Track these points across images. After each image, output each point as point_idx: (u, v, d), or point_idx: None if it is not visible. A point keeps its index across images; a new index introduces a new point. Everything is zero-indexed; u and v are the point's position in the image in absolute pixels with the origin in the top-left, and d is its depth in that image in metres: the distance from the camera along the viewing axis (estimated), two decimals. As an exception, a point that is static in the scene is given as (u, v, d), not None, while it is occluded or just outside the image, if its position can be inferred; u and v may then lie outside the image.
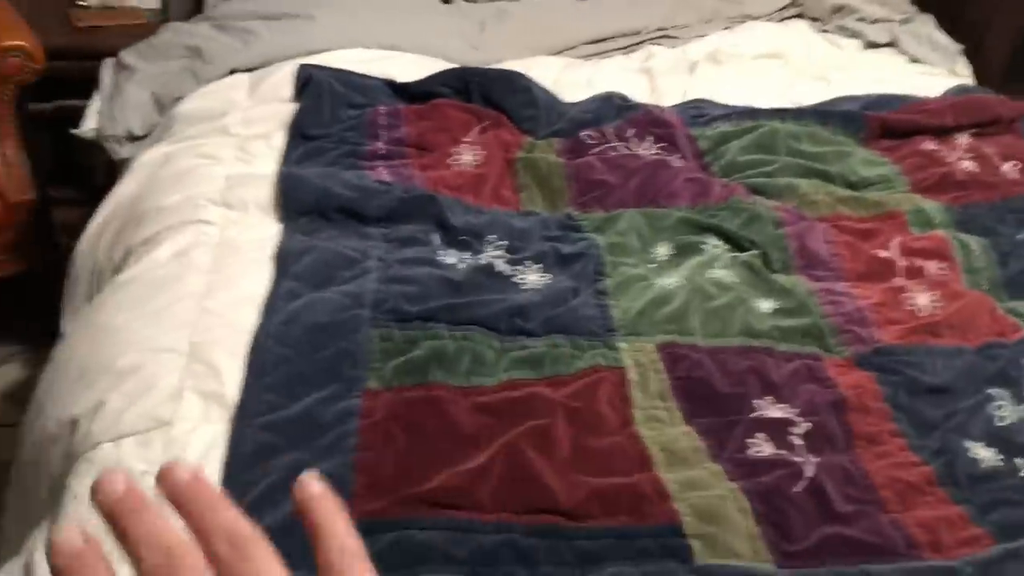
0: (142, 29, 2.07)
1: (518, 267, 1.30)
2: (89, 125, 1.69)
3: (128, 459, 0.97)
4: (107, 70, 1.75)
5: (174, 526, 0.34)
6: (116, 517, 0.34)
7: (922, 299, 1.31)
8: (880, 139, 1.72)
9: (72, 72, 2.00)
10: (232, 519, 0.35)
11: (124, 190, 1.47)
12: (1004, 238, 1.46)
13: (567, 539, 0.92)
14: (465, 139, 1.55)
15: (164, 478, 0.35)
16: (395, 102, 1.63)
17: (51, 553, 0.34)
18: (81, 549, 0.33)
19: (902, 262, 1.39)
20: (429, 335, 1.14)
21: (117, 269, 1.33)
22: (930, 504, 1.02)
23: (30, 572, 0.89)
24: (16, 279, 1.94)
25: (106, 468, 0.36)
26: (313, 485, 0.37)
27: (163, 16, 2.24)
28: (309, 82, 1.57)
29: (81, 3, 2.20)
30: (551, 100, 1.72)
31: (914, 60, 2.04)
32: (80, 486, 0.96)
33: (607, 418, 1.08)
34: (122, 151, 1.65)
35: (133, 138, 1.66)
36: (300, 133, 1.49)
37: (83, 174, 2.33)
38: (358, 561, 0.35)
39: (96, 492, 0.34)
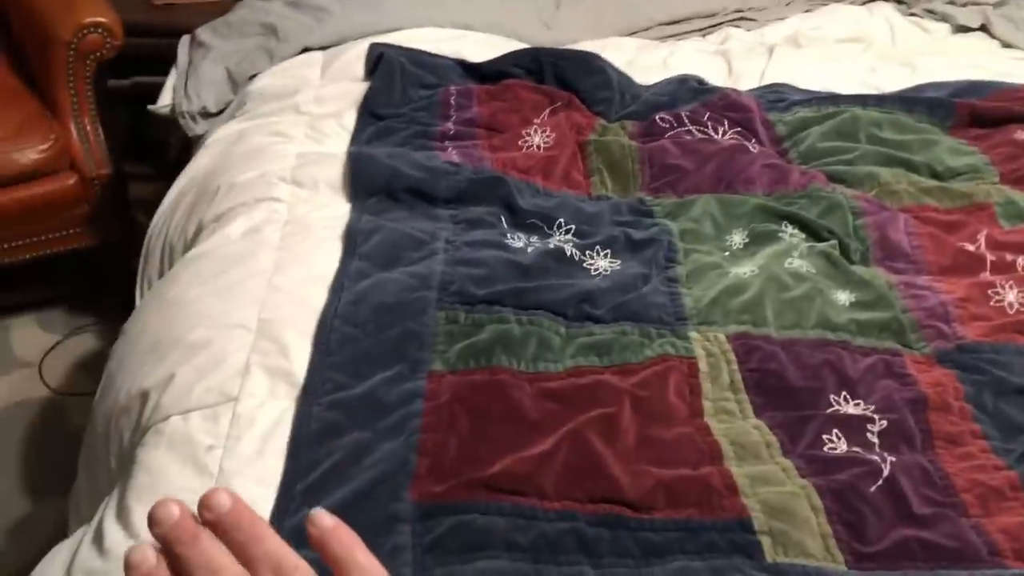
0: (219, 7, 2.09)
1: (587, 252, 1.27)
2: (165, 101, 1.72)
3: (196, 432, 0.98)
4: (183, 47, 1.77)
5: (225, 553, 0.36)
6: (171, 545, 0.37)
7: (1011, 295, 1.25)
8: (969, 127, 1.65)
9: (150, 49, 2.04)
10: (276, 549, 0.38)
11: (198, 166, 1.48)
12: (1101, 233, 1.39)
13: (631, 530, 0.90)
14: (536, 120, 1.53)
15: (206, 506, 0.37)
16: (467, 82, 1.61)
17: (152, 523, 0.38)
18: (178, 520, 0.37)
19: (990, 256, 1.33)
20: (495, 318, 1.13)
21: (189, 244, 1.34)
22: (1015, 510, 0.97)
23: (100, 539, 0.90)
24: (93, 252, 1.99)
25: (159, 500, 0.39)
26: (325, 519, 0.40)
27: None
28: (380, 61, 1.57)
29: (159, -19, 2.23)
30: (626, 82, 1.69)
31: (1007, 45, 1.95)
32: (149, 458, 0.97)
33: (675, 408, 1.05)
34: (197, 128, 1.66)
35: (207, 115, 1.68)
36: (370, 112, 1.49)
37: (158, 150, 2.37)
38: None
39: (152, 523, 0.38)
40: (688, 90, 1.66)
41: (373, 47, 1.62)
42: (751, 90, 1.72)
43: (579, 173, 1.46)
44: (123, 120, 2.33)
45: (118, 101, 2.21)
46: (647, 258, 1.27)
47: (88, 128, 1.89)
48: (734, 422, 1.05)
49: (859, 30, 1.94)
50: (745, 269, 1.26)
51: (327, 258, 1.20)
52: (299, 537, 0.85)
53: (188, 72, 1.71)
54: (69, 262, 2.00)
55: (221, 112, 1.67)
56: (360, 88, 1.55)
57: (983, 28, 1.98)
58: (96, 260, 2.03)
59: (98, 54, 1.82)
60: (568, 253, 1.26)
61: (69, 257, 1.96)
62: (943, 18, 2.02)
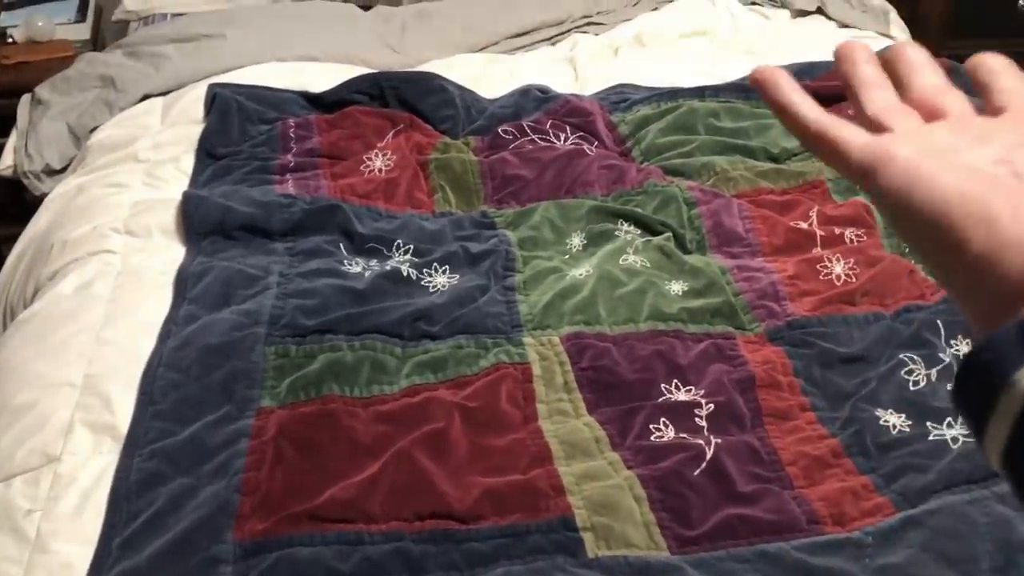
0: (71, 61, 2.06)
1: (425, 270, 1.28)
2: (7, 163, 1.69)
3: (16, 498, 0.96)
4: (23, 107, 1.75)
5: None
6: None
7: (839, 267, 1.29)
8: (805, 108, 1.70)
9: (2, 110, 2.00)
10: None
11: (37, 225, 1.46)
12: (926, 198, 1.44)
13: (457, 542, 0.91)
14: (379, 144, 1.54)
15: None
16: (309, 113, 1.62)
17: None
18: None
19: (820, 232, 1.37)
20: (326, 347, 1.13)
21: (28, 305, 1.32)
22: (836, 476, 1.01)
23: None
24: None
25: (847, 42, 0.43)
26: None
27: (93, 46, 2.24)
28: (215, 101, 1.56)
29: (8, 40, 2.20)
30: (470, 98, 1.71)
31: (843, 25, 2.02)
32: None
33: (508, 415, 1.06)
34: (43, 186, 1.64)
35: (52, 172, 1.65)
36: (207, 153, 1.48)
37: (33, 211, 2.33)
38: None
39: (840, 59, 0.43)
40: (531, 100, 1.68)
41: (210, 87, 1.61)
42: (595, 93, 1.75)
43: (422, 192, 1.47)
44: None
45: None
46: (485, 270, 1.29)
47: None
48: (567, 422, 1.07)
49: (702, 23, 1.99)
50: (581, 270, 1.28)
51: (158, 306, 1.19)
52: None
53: (28, 131, 1.68)
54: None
55: (66, 168, 1.65)
56: (199, 130, 1.55)
57: (819, 11, 2.04)
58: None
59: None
60: (405, 273, 1.27)
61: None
62: (782, 4, 2.08)
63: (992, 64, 0.41)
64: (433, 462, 0.98)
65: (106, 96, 1.67)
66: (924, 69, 0.41)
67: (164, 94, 1.69)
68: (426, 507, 0.94)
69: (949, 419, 1.05)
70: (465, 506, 0.94)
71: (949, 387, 1.11)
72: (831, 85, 1.70)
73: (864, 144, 0.38)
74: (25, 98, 1.78)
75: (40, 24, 2.19)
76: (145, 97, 1.68)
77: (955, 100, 0.40)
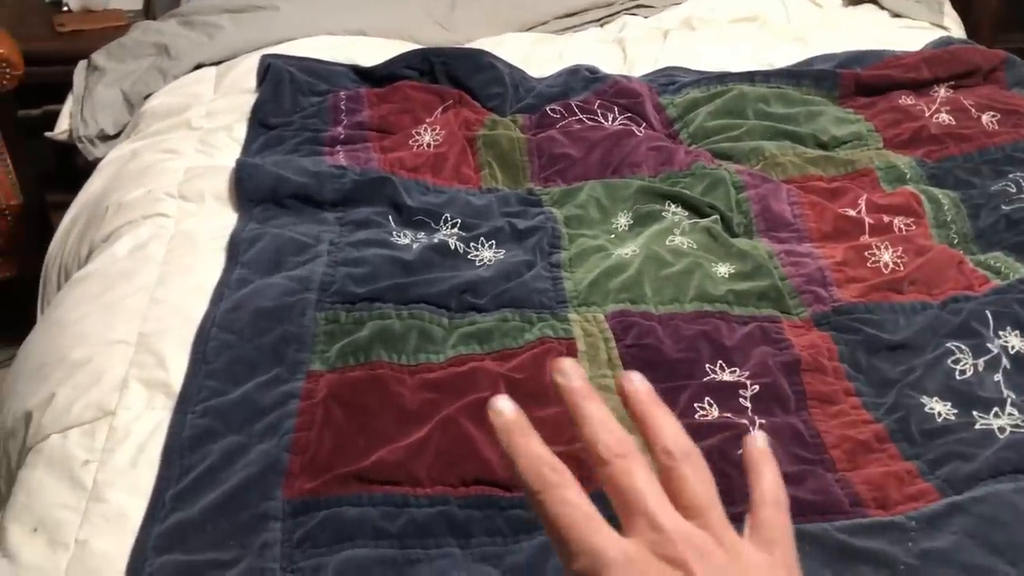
0: (124, 30, 2.09)
1: (472, 244, 1.29)
2: (62, 127, 1.72)
3: (73, 448, 0.98)
4: (79, 73, 1.78)
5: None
6: (573, 400, 0.43)
7: (887, 255, 1.29)
8: (856, 96, 1.69)
9: (59, 77, 2.03)
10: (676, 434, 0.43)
11: (91, 189, 1.49)
12: (977, 190, 1.43)
13: (502, 509, 0.92)
14: (428, 120, 1.55)
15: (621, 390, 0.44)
16: (358, 87, 1.63)
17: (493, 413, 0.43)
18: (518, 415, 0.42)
19: (869, 220, 1.37)
20: (375, 315, 1.14)
21: (82, 266, 1.34)
22: (880, 461, 1.00)
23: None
24: (11, 284, 1.99)
25: (559, 359, 0.44)
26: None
27: (145, 16, 2.27)
28: (268, 71, 1.58)
29: (64, 8, 2.23)
30: (518, 76, 1.71)
31: (896, 15, 2.00)
32: (28, 477, 0.98)
33: (552, 389, 1.07)
34: (96, 151, 1.67)
35: (106, 138, 1.68)
36: (260, 122, 1.50)
37: (84, 177, 2.37)
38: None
39: (555, 373, 0.44)
40: (580, 80, 1.69)
41: (263, 58, 1.63)
42: (644, 75, 1.75)
43: (469, 168, 1.48)
44: (45, 150, 2.32)
45: (31, 131, 2.20)
46: (531, 246, 1.29)
47: (-5, 159, 1.88)
48: (611, 398, 1.07)
49: (753, 9, 1.98)
50: (627, 250, 1.29)
51: (210, 269, 1.21)
52: (171, 542, 0.87)
53: (84, 97, 1.71)
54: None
55: (120, 134, 1.68)
56: (252, 100, 1.57)
57: (873, 0, 2.02)
58: (14, 293, 2.02)
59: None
60: (452, 246, 1.28)
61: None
62: (834, -7, 2.06)
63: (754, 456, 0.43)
64: (479, 430, 0.99)
65: (160, 64, 1.70)
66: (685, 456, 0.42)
67: (217, 63, 1.71)
68: (471, 473, 0.95)
69: (996, 409, 1.04)
70: (509, 474, 0.95)
71: (997, 378, 1.10)
72: (882, 74, 1.69)
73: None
74: (81, 64, 1.81)
75: (95, -7, 2.22)
76: (199, 66, 1.70)
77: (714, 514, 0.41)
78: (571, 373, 0.43)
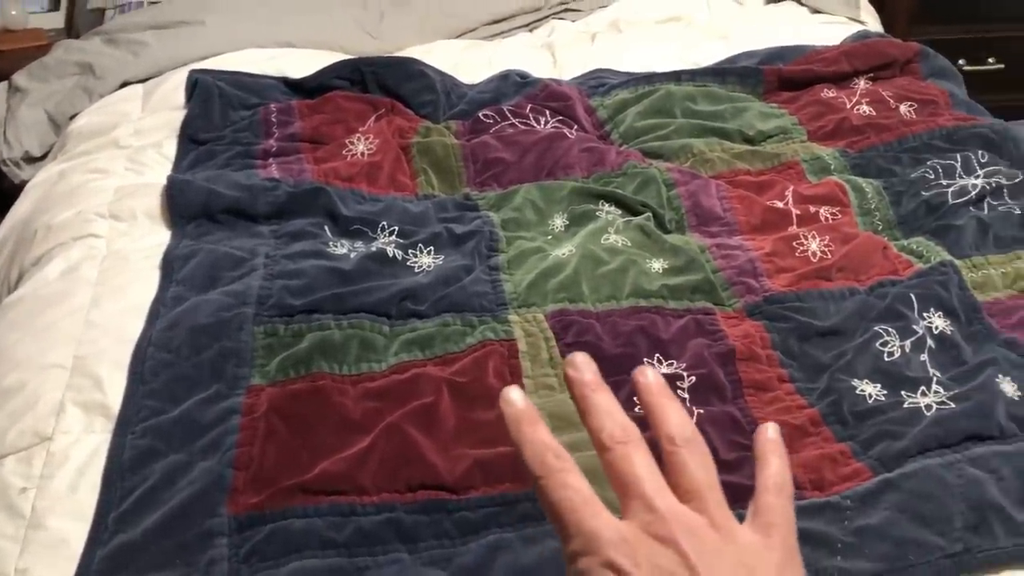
0: (46, 50, 2.05)
1: (410, 251, 1.30)
2: (-15, 151, 1.68)
3: (9, 476, 0.97)
4: (0, 95, 1.74)
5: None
6: (583, 392, 0.46)
7: (814, 244, 1.32)
8: (780, 91, 1.73)
9: (-20, 100, 1.99)
10: (681, 422, 0.45)
11: (18, 212, 1.46)
12: (898, 178, 1.48)
13: (449, 512, 0.93)
14: (361, 129, 1.55)
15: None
16: (290, 99, 1.62)
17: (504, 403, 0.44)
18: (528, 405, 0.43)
19: (796, 211, 1.41)
20: (315, 327, 1.14)
21: (12, 291, 1.32)
22: (815, 444, 1.03)
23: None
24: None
25: (573, 354, 0.47)
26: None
27: (67, 35, 2.23)
28: (196, 87, 1.57)
29: (-19, 30, 2.18)
30: (450, 83, 1.72)
31: (815, 11, 2.05)
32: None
33: (496, 390, 1.08)
34: (22, 174, 1.64)
35: (32, 159, 1.65)
36: (190, 138, 1.48)
37: (11, 200, 2.32)
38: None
39: (567, 367, 0.46)
40: (511, 85, 1.70)
41: (191, 74, 1.62)
42: (574, 78, 1.77)
43: (405, 175, 1.49)
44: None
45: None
46: (469, 250, 1.30)
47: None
48: (553, 396, 1.09)
49: (677, 9, 2.02)
50: (564, 250, 1.30)
51: (145, 288, 1.19)
52: (115, 565, 0.86)
53: (7, 118, 1.68)
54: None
55: (46, 156, 1.65)
56: (180, 116, 1.55)
57: (793, -4, 2.08)
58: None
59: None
60: (391, 254, 1.28)
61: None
62: (756, -10, 2.11)
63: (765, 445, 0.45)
64: (423, 435, 1.00)
65: (85, 83, 1.67)
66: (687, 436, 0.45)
67: (143, 81, 1.69)
68: (417, 478, 0.96)
69: (923, 388, 1.08)
70: (455, 477, 0.96)
71: (923, 358, 1.14)
72: (804, 68, 1.74)
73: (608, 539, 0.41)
74: (2, 85, 1.77)
75: (13, 13, 2.17)
76: (124, 84, 1.68)
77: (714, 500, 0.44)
78: (584, 368, 0.46)
